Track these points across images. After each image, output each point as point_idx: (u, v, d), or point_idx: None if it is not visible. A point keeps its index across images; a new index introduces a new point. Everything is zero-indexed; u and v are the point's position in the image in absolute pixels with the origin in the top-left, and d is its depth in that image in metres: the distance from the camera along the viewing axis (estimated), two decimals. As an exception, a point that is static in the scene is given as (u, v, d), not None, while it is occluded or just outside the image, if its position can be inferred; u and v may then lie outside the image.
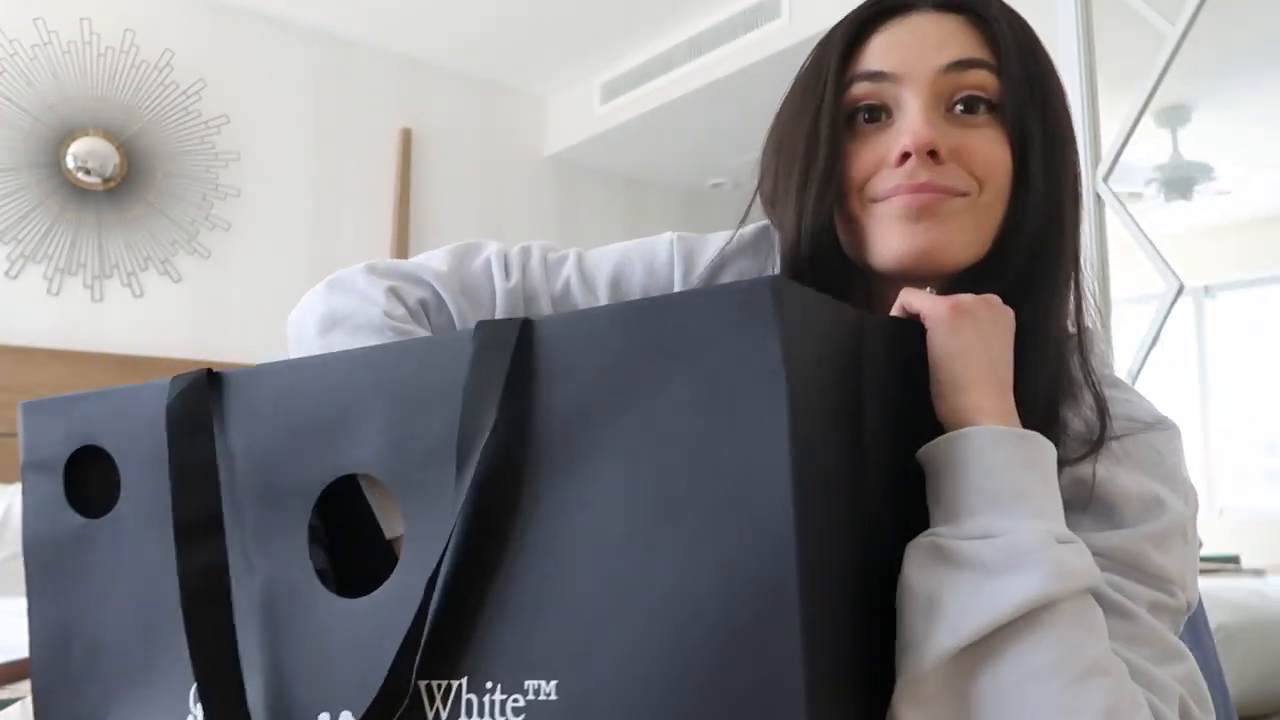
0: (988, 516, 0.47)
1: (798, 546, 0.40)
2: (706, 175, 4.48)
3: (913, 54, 0.61)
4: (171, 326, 3.22)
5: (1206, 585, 2.18)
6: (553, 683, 0.43)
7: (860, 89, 0.62)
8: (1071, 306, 0.64)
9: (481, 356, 0.47)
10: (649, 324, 0.44)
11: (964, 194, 0.60)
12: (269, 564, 0.53)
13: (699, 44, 3.46)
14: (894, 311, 0.56)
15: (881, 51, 0.62)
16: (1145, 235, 2.21)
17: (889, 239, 0.60)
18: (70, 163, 3.05)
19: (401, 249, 3.64)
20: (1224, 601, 2.07)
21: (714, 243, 0.75)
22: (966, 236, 0.60)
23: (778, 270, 0.70)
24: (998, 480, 0.48)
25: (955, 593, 0.45)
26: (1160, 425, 0.61)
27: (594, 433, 0.45)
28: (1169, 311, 2.17)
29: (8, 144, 2.96)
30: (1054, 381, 0.60)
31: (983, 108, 0.61)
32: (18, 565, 2.73)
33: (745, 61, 3.28)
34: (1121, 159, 2.26)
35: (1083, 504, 0.56)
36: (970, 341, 0.53)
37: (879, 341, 0.50)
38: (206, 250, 3.29)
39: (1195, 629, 0.84)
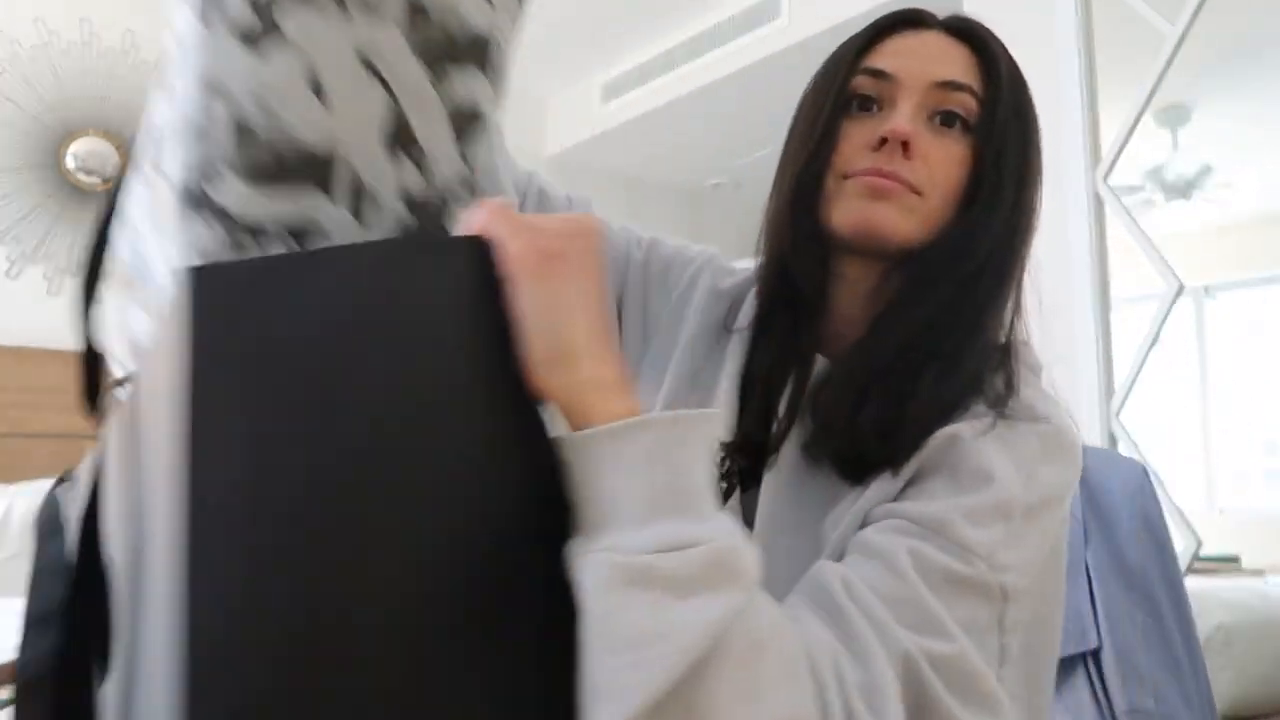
0: (675, 522, 0.42)
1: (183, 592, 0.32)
2: (706, 175, 4.48)
3: (915, 64, 0.68)
4: (171, 326, 3.22)
5: (1207, 585, 2.18)
6: None
7: (862, 80, 0.69)
8: (1008, 322, 0.69)
9: None
10: None
11: (919, 192, 0.66)
12: None
13: (699, 44, 3.46)
14: (467, 230, 0.46)
15: (890, 54, 0.69)
16: (1145, 235, 2.21)
17: (848, 210, 0.67)
18: (70, 163, 3.05)
19: (401, 249, 3.64)
20: (1224, 601, 2.06)
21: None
22: (909, 227, 0.66)
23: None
24: (679, 478, 0.43)
25: (662, 622, 0.40)
26: (1043, 421, 0.62)
27: None
28: (1169, 311, 2.17)
29: (8, 144, 2.96)
30: (970, 382, 0.63)
31: (958, 124, 0.68)
32: (18, 565, 2.73)
33: (745, 61, 3.28)
34: (1121, 159, 2.26)
35: (947, 465, 0.58)
36: (571, 295, 0.44)
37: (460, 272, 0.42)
38: (206, 250, 3.29)
39: (1167, 632, 0.85)
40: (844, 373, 0.65)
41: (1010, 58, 0.70)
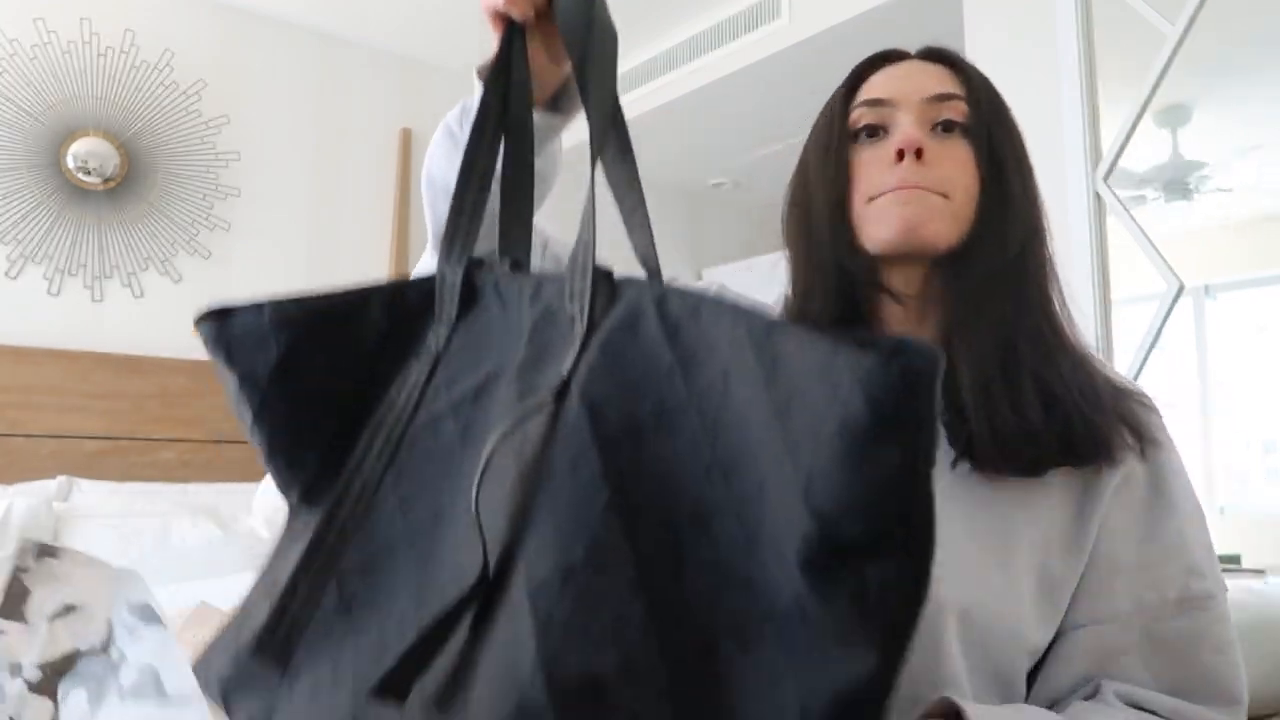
0: None
1: None
2: (706, 175, 4.47)
3: (906, 86, 0.76)
4: (171, 326, 3.22)
5: (1206, 585, 2.17)
6: None
7: (861, 112, 0.77)
8: (1062, 322, 0.76)
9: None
10: None
11: (943, 194, 0.73)
12: None
13: (699, 44, 3.46)
14: None
15: (880, 85, 0.78)
16: (1145, 235, 2.21)
17: (884, 221, 0.73)
18: (70, 163, 3.05)
19: (401, 249, 3.64)
20: (1224, 601, 2.06)
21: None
22: (943, 226, 0.73)
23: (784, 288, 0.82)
24: None
25: None
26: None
27: None
28: (1169, 311, 2.16)
29: (8, 144, 2.96)
30: (1085, 364, 0.74)
31: (957, 130, 0.75)
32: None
33: (745, 61, 3.28)
34: (1121, 159, 2.26)
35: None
36: None
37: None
38: (206, 250, 3.29)
39: None
40: (979, 380, 0.70)
41: (983, 75, 0.78)
